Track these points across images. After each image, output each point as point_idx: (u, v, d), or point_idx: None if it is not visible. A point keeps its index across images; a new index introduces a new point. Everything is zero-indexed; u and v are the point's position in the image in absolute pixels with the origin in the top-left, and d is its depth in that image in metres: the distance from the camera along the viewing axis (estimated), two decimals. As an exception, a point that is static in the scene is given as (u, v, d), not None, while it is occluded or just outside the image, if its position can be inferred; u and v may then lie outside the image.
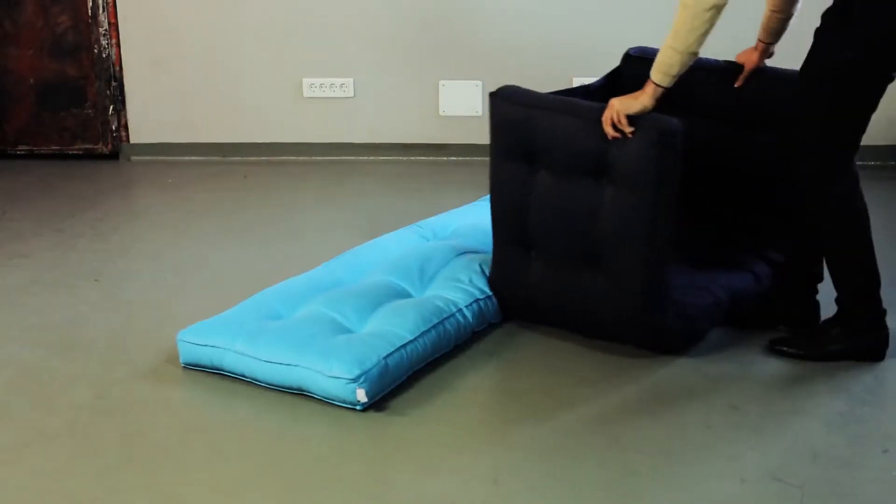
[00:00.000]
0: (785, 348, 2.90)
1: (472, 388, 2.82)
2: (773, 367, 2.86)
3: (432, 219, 3.71)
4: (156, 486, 2.35)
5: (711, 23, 2.64)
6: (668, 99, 2.88)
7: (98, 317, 3.29)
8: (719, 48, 3.12)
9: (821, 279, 3.07)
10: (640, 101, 2.74)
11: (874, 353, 2.88)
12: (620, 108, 2.74)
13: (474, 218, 3.67)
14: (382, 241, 3.51)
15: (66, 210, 4.41)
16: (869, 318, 2.87)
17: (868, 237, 2.81)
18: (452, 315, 2.99)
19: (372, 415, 2.64)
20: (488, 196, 3.90)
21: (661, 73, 2.72)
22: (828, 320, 2.92)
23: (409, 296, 3.10)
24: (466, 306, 3.04)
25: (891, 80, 2.70)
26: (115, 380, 2.85)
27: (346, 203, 4.40)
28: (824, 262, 2.95)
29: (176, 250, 3.92)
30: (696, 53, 2.71)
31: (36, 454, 2.49)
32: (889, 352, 2.88)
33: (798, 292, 3.06)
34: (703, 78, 3.17)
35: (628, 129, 2.73)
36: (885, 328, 2.88)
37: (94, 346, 3.06)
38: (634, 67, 3.24)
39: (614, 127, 2.74)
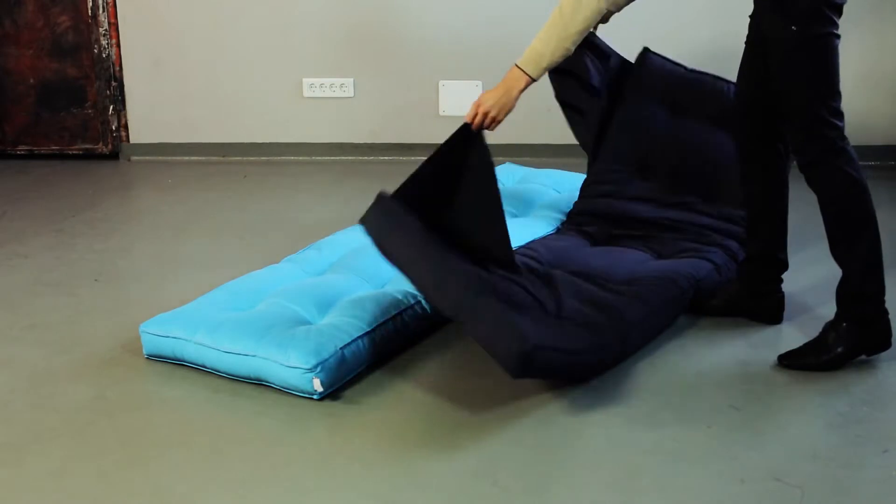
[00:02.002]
0: (795, 363, 2.87)
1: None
2: (773, 367, 2.86)
3: None
4: (156, 486, 2.36)
5: (580, 37, 2.93)
6: (645, 91, 3.51)
7: (98, 317, 3.29)
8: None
9: (786, 268, 3.11)
10: (509, 101, 2.91)
11: (882, 342, 2.87)
12: (495, 113, 2.92)
13: None
14: (344, 235, 3.56)
15: (66, 210, 4.41)
16: (875, 303, 2.86)
17: (872, 205, 2.83)
18: (411, 306, 3.02)
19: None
20: None
21: (534, 64, 2.90)
22: (829, 323, 2.91)
23: (369, 289, 3.15)
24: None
25: (839, 37, 2.74)
26: (115, 380, 2.86)
27: (346, 203, 4.40)
28: (831, 254, 2.94)
29: (176, 250, 3.92)
30: (569, 50, 2.92)
31: (36, 454, 2.49)
32: (889, 353, 2.88)
33: (764, 286, 3.10)
34: (666, 75, 3.61)
35: (493, 125, 2.92)
36: (887, 314, 2.88)
37: (94, 347, 3.06)
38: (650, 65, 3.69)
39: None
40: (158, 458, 2.47)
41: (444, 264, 2.73)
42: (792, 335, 3.03)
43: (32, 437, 2.57)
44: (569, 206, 3.79)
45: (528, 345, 2.50)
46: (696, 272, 3.19)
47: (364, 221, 2.78)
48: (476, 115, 2.93)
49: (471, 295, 2.61)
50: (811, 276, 3.36)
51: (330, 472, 2.40)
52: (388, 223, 2.77)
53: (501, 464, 2.41)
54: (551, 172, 4.25)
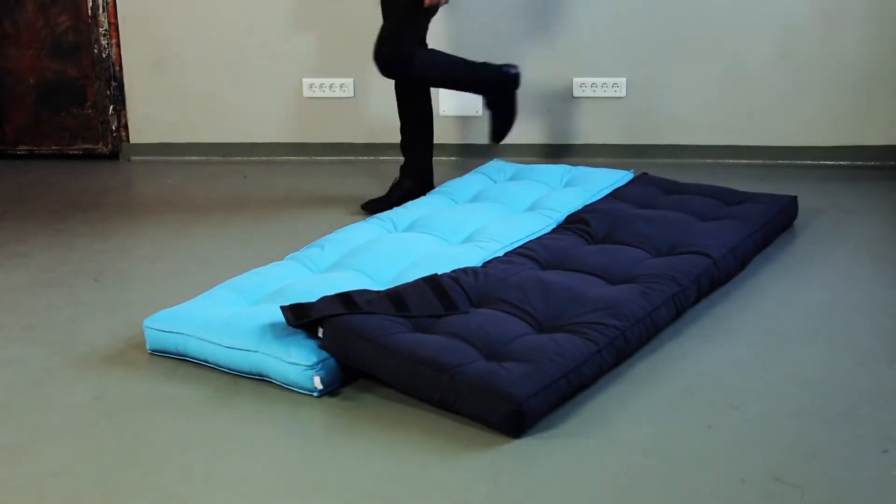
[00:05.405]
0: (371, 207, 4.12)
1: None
2: (774, 367, 2.86)
3: (391, 211, 3.84)
4: (156, 486, 2.36)
5: None
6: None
7: (98, 317, 3.29)
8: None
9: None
10: None
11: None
12: None
13: (432, 209, 3.81)
14: (346, 233, 3.57)
15: (66, 210, 4.41)
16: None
17: None
18: None
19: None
20: (442, 187, 4.12)
21: None
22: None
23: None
24: None
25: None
26: (114, 380, 2.86)
27: (345, 203, 4.40)
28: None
29: (176, 250, 3.92)
30: None
31: (36, 454, 2.49)
32: (888, 357, 2.89)
33: None
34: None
35: None
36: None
37: (94, 347, 3.06)
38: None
39: None
40: (158, 458, 2.47)
41: (414, 355, 2.65)
42: (793, 335, 3.04)
43: (32, 437, 2.58)
44: (560, 202, 3.82)
45: (513, 403, 2.49)
46: (694, 269, 3.20)
47: (325, 348, 2.74)
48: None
49: (444, 379, 2.58)
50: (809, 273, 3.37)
51: (330, 471, 2.40)
52: (346, 337, 2.72)
53: (501, 464, 2.41)
54: (542, 168, 4.27)
